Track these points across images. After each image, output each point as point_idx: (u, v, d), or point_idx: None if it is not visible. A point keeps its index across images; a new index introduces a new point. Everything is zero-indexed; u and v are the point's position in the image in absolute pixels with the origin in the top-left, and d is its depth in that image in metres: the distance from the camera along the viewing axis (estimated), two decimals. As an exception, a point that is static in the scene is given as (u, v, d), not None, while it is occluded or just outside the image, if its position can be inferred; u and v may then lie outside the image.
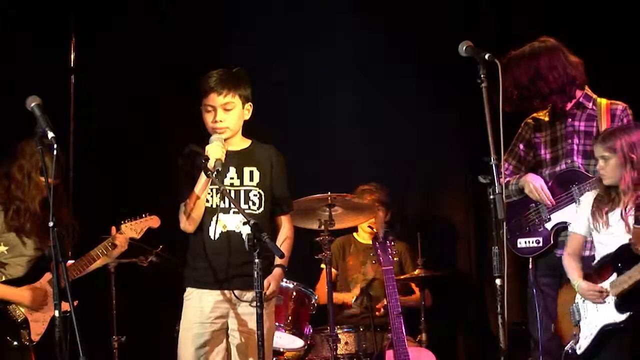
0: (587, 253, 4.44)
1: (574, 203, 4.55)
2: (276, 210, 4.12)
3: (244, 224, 3.83)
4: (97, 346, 5.46)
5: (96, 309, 5.59)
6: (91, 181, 5.93)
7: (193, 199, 3.93)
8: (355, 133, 6.50)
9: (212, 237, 3.98)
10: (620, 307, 4.08)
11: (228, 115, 4.02)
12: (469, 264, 6.61)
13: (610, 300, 4.12)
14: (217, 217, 3.96)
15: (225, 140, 3.99)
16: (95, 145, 6.00)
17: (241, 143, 4.14)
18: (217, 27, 6.36)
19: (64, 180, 4.59)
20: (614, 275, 4.12)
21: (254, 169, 4.08)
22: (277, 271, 3.98)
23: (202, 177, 3.91)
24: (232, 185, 4.03)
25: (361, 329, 5.69)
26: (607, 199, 4.23)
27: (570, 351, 4.24)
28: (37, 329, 4.45)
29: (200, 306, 3.97)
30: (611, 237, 4.19)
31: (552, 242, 4.62)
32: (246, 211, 3.94)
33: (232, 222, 3.99)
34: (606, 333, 4.12)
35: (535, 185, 4.59)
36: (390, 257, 5.31)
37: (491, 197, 3.50)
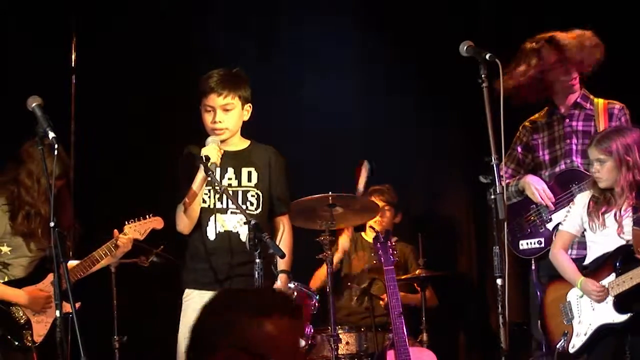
0: (572, 253, 4.44)
1: (574, 202, 4.56)
2: (275, 211, 4.12)
3: (244, 223, 3.84)
4: (98, 346, 5.46)
5: (97, 309, 5.58)
6: (92, 181, 5.92)
7: (189, 198, 3.93)
8: (356, 133, 6.50)
9: (209, 238, 3.98)
10: (619, 307, 4.08)
11: (227, 116, 4.02)
12: (470, 264, 6.61)
13: (609, 300, 4.11)
14: (215, 218, 3.97)
15: (223, 141, 3.99)
16: (96, 146, 6.00)
17: (240, 143, 4.14)
18: (218, 27, 6.35)
19: (67, 181, 4.57)
20: (612, 276, 4.11)
21: (252, 169, 4.09)
22: (282, 277, 3.98)
23: (199, 176, 3.90)
24: (230, 185, 4.03)
25: (362, 329, 5.69)
26: (603, 199, 4.23)
27: (560, 349, 4.23)
28: (40, 330, 4.44)
29: (199, 307, 3.95)
30: (606, 237, 4.19)
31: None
32: (245, 211, 3.94)
33: (229, 223, 3.99)
34: (602, 332, 4.11)
35: (537, 187, 4.59)
36: (391, 257, 5.30)
37: (492, 197, 3.49)
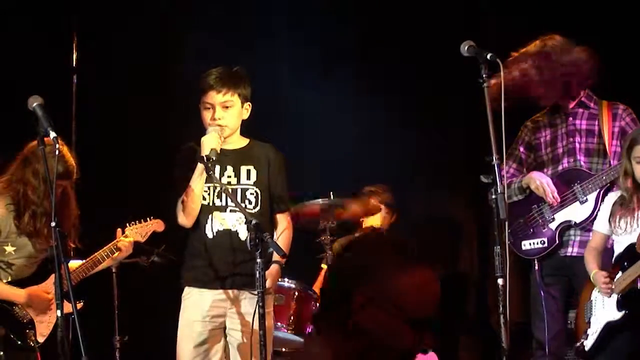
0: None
1: (577, 201, 4.56)
2: (274, 209, 4.12)
3: (243, 222, 3.84)
4: (98, 346, 5.47)
5: (98, 309, 5.58)
6: (92, 181, 5.92)
7: (189, 191, 3.94)
8: (356, 133, 6.50)
9: (208, 236, 3.99)
10: (619, 304, 4.11)
11: (227, 114, 4.02)
12: (472, 264, 6.61)
13: (614, 297, 4.13)
14: (213, 216, 3.97)
15: (224, 139, 3.99)
16: (97, 145, 6.00)
17: (239, 142, 4.14)
18: (218, 27, 6.35)
19: (72, 183, 4.57)
20: (619, 274, 4.13)
21: (251, 167, 4.09)
22: (273, 267, 3.97)
23: (199, 168, 3.91)
24: (229, 183, 4.03)
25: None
26: (630, 200, 4.21)
27: (578, 347, 4.25)
28: (43, 330, 4.44)
29: (198, 305, 3.98)
30: (630, 237, 4.19)
31: (557, 242, 4.63)
32: (245, 210, 3.94)
33: (228, 221, 3.99)
34: (610, 330, 4.13)
35: (542, 181, 4.59)
36: (391, 257, 5.30)
37: (493, 197, 3.49)
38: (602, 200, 4.44)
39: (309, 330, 5.50)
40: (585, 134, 4.62)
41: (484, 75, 3.59)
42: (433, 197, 6.63)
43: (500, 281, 3.47)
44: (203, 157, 3.84)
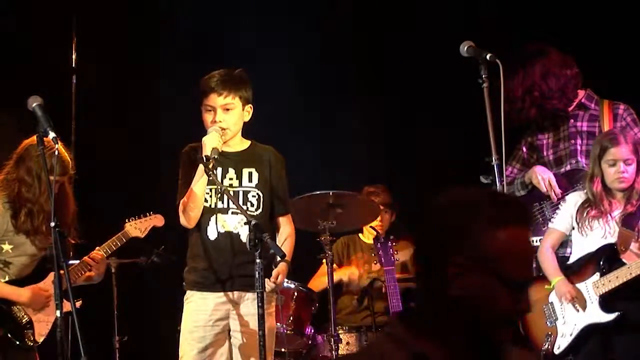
0: (567, 251, 4.45)
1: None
2: (276, 211, 4.12)
3: (245, 224, 3.83)
4: (98, 346, 5.47)
5: (97, 309, 5.59)
6: (92, 181, 5.92)
7: (190, 193, 3.93)
8: (356, 133, 6.50)
9: (210, 238, 3.98)
10: (605, 307, 4.09)
11: (228, 116, 4.02)
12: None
13: (594, 300, 4.11)
14: (216, 218, 3.97)
15: (225, 142, 3.99)
16: (96, 145, 6.00)
17: (240, 144, 4.14)
18: (217, 27, 6.35)
19: (68, 178, 4.57)
20: (596, 275, 4.12)
21: (253, 170, 4.08)
22: (282, 265, 3.95)
23: (200, 170, 3.91)
24: (231, 186, 4.02)
25: (362, 329, 5.70)
26: (600, 203, 4.22)
27: (544, 352, 4.23)
28: (41, 329, 4.44)
29: (201, 309, 3.97)
30: (594, 238, 4.19)
31: (556, 240, 4.63)
32: (245, 211, 3.94)
33: (230, 223, 3.99)
34: (588, 332, 4.12)
35: (544, 176, 4.59)
36: (391, 257, 5.31)
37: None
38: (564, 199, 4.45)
39: (308, 330, 5.50)
40: (586, 136, 4.62)
41: (483, 76, 3.59)
42: (433, 197, 6.62)
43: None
44: (203, 158, 3.84)
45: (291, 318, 5.38)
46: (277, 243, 3.91)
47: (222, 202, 4.00)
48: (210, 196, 4.01)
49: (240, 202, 3.99)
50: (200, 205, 3.97)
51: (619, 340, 4.08)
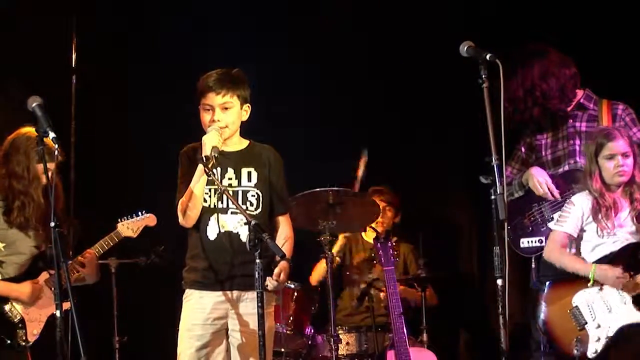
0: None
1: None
2: (275, 211, 4.12)
3: (244, 224, 3.83)
4: (98, 346, 5.47)
5: (97, 309, 5.59)
6: (91, 181, 5.93)
7: (189, 193, 3.94)
8: (356, 133, 6.50)
9: (210, 238, 3.98)
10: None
11: (226, 115, 4.02)
12: (471, 264, 6.61)
13: (627, 300, 4.09)
14: (215, 218, 3.97)
15: (223, 141, 3.99)
16: (96, 146, 6.00)
17: (239, 144, 4.14)
18: (216, 27, 6.36)
19: (62, 178, 4.57)
20: (627, 276, 4.10)
21: (252, 169, 4.08)
22: (284, 262, 3.94)
23: (199, 170, 3.91)
24: (230, 185, 4.02)
25: (362, 329, 5.70)
26: (604, 200, 4.22)
27: (577, 355, 4.18)
28: (34, 328, 4.43)
29: (199, 307, 3.97)
30: (614, 237, 4.19)
31: (555, 241, 4.63)
32: (245, 211, 3.94)
33: (230, 223, 3.99)
34: (624, 333, 4.09)
35: (540, 179, 4.59)
36: (391, 257, 5.31)
37: (492, 197, 3.49)
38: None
39: (308, 330, 5.51)
40: (585, 136, 4.63)
41: (483, 76, 3.59)
42: (434, 198, 6.63)
43: (499, 282, 3.47)
44: (202, 158, 3.84)
45: (291, 318, 5.38)
46: (277, 243, 3.91)
47: (222, 202, 4.00)
48: (210, 196, 4.01)
49: (240, 202, 3.99)
50: (199, 205, 3.97)
51: None
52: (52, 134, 3.55)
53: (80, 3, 6.05)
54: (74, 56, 6.08)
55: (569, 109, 4.67)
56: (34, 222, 4.42)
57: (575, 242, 4.37)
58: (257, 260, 3.59)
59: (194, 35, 6.25)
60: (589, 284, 4.22)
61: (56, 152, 3.60)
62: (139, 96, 6.20)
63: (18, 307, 4.41)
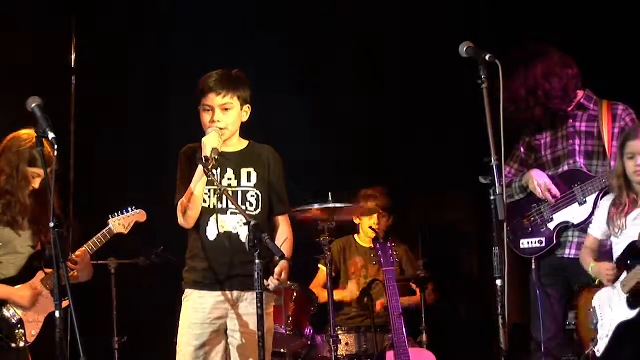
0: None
1: (576, 203, 4.56)
2: (274, 211, 4.12)
3: (244, 224, 3.84)
4: (98, 346, 5.47)
5: (97, 309, 5.59)
6: (91, 181, 5.93)
7: (189, 193, 3.94)
8: (357, 133, 6.50)
9: (209, 238, 3.98)
10: (632, 303, 4.08)
11: (226, 116, 4.02)
12: (471, 265, 6.61)
13: (623, 297, 4.11)
14: (215, 218, 3.97)
15: (223, 142, 3.99)
16: (96, 146, 6.00)
17: (239, 144, 4.14)
18: (215, 27, 6.36)
19: (59, 178, 4.56)
20: (625, 274, 4.12)
21: (252, 170, 4.08)
22: (284, 262, 3.94)
23: (199, 171, 3.91)
24: (229, 186, 4.03)
25: (362, 330, 5.70)
26: (621, 197, 4.21)
27: (590, 354, 4.20)
28: (32, 329, 4.42)
29: (199, 307, 3.97)
30: (627, 235, 4.19)
31: (554, 242, 4.63)
32: (244, 212, 3.94)
33: (229, 223, 3.99)
34: (623, 332, 4.10)
35: (540, 182, 4.59)
36: (390, 258, 5.31)
37: (492, 197, 3.49)
38: (597, 204, 4.44)
39: (308, 331, 5.51)
40: (585, 136, 4.62)
41: (482, 76, 3.58)
42: (434, 198, 6.63)
43: (498, 282, 3.46)
44: (202, 158, 3.84)
45: (290, 319, 5.38)
46: (276, 243, 3.91)
47: (221, 203, 4.00)
48: (209, 197, 4.01)
49: (239, 202, 3.99)
50: (199, 206, 3.97)
51: None
52: (51, 135, 3.54)
53: (80, 3, 6.05)
54: (74, 56, 6.08)
55: (569, 109, 4.66)
56: (25, 223, 4.42)
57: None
58: (257, 261, 3.59)
59: (194, 35, 6.25)
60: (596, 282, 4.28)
61: (55, 154, 3.59)
62: (138, 96, 6.20)
63: (16, 308, 4.41)
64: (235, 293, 3.96)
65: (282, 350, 5.42)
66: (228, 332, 3.99)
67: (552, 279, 4.65)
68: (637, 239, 4.12)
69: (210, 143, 3.89)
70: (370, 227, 5.86)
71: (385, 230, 6.00)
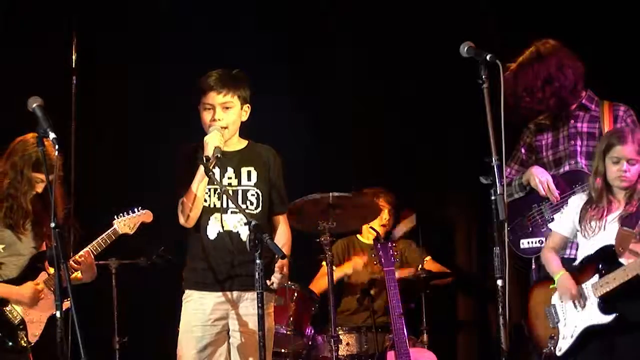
0: (570, 253, 4.44)
1: (577, 203, 4.56)
2: (274, 210, 4.13)
3: (244, 224, 3.84)
4: (98, 346, 5.47)
5: (97, 309, 5.59)
6: (92, 181, 5.93)
7: (190, 193, 3.94)
8: (357, 133, 6.50)
9: (210, 237, 3.99)
10: (604, 308, 4.06)
11: (227, 115, 4.03)
12: (471, 264, 6.61)
13: (594, 302, 4.10)
14: (215, 217, 3.97)
15: (225, 141, 4.00)
16: (96, 146, 6.00)
17: (238, 143, 4.15)
18: (217, 27, 6.35)
19: (62, 178, 4.56)
20: (596, 277, 4.10)
21: (252, 169, 4.09)
22: (282, 261, 3.94)
23: (200, 170, 3.92)
24: (230, 185, 4.03)
25: (363, 330, 5.70)
26: (600, 200, 4.21)
27: (548, 353, 4.21)
28: (35, 329, 4.42)
29: (200, 308, 3.97)
30: (599, 238, 4.18)
31: (555, 242, 4.63)
32: (244, 211, 3.94)
33: (230, 222, 3.99)
34: (588, 334, 4.10)
35: (541, 179, 4.59)
36: (391, 257, 5.31)
37: (492, 197, 3.49)
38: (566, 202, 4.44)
39: (308, 331, 5.51)
40: (586, 137, 4.62)
41: (483, 76, 3.58)
42: (433, 198, 6.63)
43: (499, 282, 3.47)
44: (204, 158, 3.84)
45: (291, 319, 5.38)
46: (276, 242, 3.91)
47: (221, 202, 4.00)
48: (210, 196, 4.02)
49: (240, 201, 4.00)
50: (200, 206, 3.98)
51: (620, 342, 4.06)
52: (52, 135, 3.54)
53: (80, 3, 6.04)
54: (74, 56, 6.08)
55: (571, 108, 4.66)
56: (27, 225, 4.42)
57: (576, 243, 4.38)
58: (257, 261, 3.59)
59: (194, 35, 6.25)
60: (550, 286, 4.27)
61: (55, 154, 3.59)
62: (139, 96, 6.20)
63: (18, 309, 4.40)
64: (236, 293, 3.96)
65: (283, 350, 5.42)
66: (230, 332, 3.99)
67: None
68: (612, 242, 4.11)
69: (212, 141, 3.90)
70: (371, 227, 5.87)
71: (390, 230, 6.01)
